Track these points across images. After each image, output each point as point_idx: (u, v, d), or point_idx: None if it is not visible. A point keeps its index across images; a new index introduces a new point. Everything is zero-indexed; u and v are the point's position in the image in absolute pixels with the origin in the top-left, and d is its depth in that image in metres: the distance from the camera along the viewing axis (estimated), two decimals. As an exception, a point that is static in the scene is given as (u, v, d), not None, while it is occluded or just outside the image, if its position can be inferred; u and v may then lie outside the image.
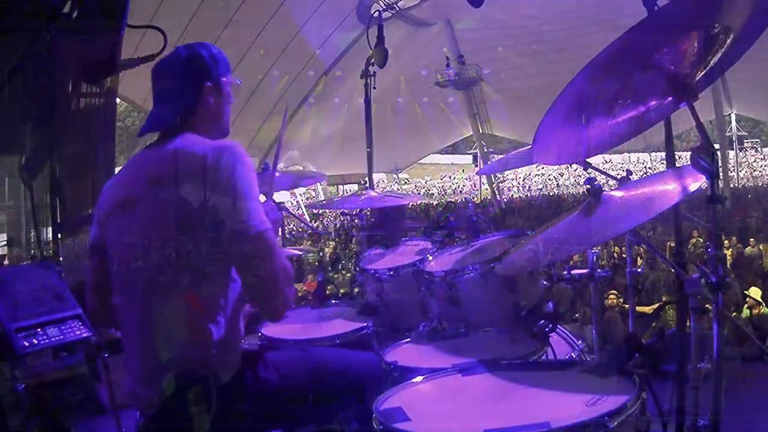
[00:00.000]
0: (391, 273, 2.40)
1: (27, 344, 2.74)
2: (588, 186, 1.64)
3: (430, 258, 2.35)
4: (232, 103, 1.83)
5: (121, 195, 1.72)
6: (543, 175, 44.05)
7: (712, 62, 1.47)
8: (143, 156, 1.76)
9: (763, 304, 7.29)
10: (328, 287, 2.76)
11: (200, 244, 1.60)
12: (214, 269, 1.61)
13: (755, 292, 7.35)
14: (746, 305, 7.14)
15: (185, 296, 1.61)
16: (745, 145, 37.22)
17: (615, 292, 6.83)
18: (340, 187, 36.44)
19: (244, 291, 1.66)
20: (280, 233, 3.18)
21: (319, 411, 1.87)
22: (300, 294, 10.15)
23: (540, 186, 42.16)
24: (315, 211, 29.21)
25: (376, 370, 1.80)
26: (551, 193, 36.46)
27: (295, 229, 21.57)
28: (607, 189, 1.66)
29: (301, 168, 23.64)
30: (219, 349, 1.62)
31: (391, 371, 1.74)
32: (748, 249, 11.61)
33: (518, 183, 42.71)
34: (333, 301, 2.63)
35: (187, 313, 1.61)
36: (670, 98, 1.50)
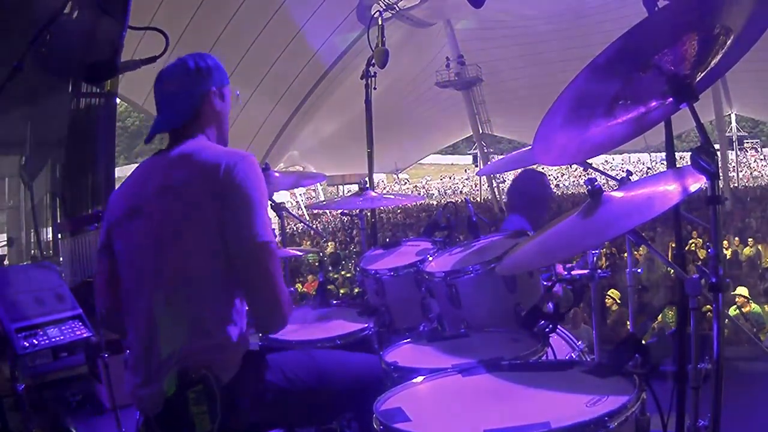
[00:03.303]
0: (392, 273, 2.40)
1: (27, 344, 2.74)
2: (588, 186, 1.63)
3: (431, 258, 2.35)
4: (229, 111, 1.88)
5: (133, 201, 1.73)
6: (543, 175, 43.97)
7: (712, 63, 1.47)
8: (155, 161, 1.77)
9: (752, 301, 7.40)
10: (329, 287, 2.76)
11: (209, 247, 1.60)
12: (221, 271, 1.61)
13: (743, 291, 7.44)
14: (735, 304, 7.21)
15: (192, 298, 1.62)
16: (745, 145, 37.22)
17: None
18: (340, 187, 36.45)
19: (245, 299, 1.68)
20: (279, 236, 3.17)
21: (320, 413, 1.87)
22: (300, 294, 10.16)
23: (540, 186, 42.04)
24: (315, 211, 29.23)
25: (378, 375, 1.80)
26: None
27: (295, 228, 21.59)
28: (607, 189, 1.66)
29: (301, 168, 23.66)
30: (223, 350, 1.63)
31: (391, 372, 1.74)
32: (747, 249, 11.64)
33: (518, 183, 42.59)
34: (334, 302, 2.63)
35: (194, 315, 1.62)
36: (671, 99, 1.50)
